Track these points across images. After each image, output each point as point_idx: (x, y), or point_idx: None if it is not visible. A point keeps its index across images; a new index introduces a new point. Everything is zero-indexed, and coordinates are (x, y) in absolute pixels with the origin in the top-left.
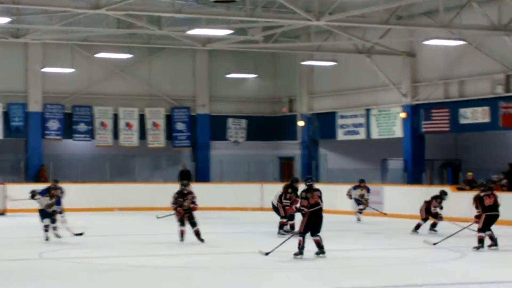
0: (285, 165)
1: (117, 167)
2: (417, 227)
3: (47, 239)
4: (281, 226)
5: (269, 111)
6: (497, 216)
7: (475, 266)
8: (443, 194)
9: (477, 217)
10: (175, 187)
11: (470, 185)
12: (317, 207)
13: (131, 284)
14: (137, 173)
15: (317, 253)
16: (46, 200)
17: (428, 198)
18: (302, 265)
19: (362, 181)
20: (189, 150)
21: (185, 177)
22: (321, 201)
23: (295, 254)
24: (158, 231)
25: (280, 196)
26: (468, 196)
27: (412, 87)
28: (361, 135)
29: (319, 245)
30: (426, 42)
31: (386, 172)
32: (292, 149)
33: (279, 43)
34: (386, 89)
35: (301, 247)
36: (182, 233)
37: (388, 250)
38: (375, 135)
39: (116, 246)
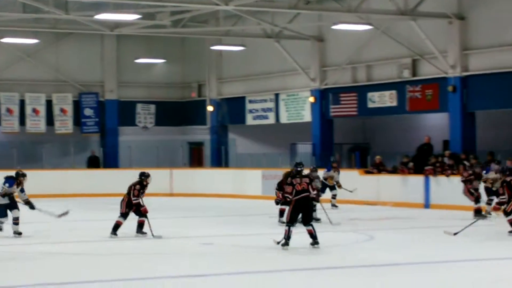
0: (195, 150)
1: (25, 154)
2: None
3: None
4: (281, 213)
5: (178, 96)
6: None
7: (383, 248)
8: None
9: (500, 203)
10: (84, 173)
11: (378, 168)
12: (303, 194)
13: (38, 271)
14: (45, 159)
15: (311, 244)
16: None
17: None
18: (207, 250)
19: (333, 161)
20: (98, 136)
21: (93, 163)
22: (312, 188)
23: (282, 245)
24: (66, 217)
25: (279, 183)
26: (376, 179)
27: (321, 71)
28: (270, 120)
29: (312, 235)
30: (334, 27)
31: (295, 156)
32: (202, 134)
33: (188, 27)
34: (294, 74)
35: (287, 237)
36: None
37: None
38: (284, 119)
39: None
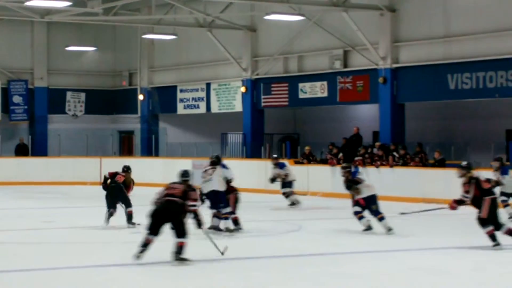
0: (125, 139)
1: None
2: None
3: None
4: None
5: (109, 85)
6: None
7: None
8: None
9: (460, 201)
10: (12, 161)
11: (308, 159)
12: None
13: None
14: None
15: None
16: None
17: None
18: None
19: (275, 158)
20: (26, 123)
21: (22, 151)
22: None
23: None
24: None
25: None
26: (306, 170)
27: (253, 61)
28: (201, 109)
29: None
30: (266, 17)
31: (226, 146)
32: (132, 123)
33: (120, 15)
34: (226, 64)
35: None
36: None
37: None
38: (215, 109)
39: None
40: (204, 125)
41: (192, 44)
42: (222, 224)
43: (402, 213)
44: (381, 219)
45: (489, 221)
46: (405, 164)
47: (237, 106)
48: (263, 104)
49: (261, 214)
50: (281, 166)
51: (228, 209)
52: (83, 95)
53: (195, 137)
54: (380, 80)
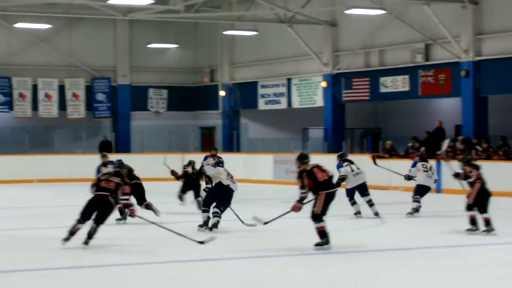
0: (206, 135)
1: (37, 138)
2: None
3: None
4: None
5: (191, 81)
6: None
7: (393, 233)
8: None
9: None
10: (95, 158)
11: (389, 153)
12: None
13: (50, 255)
14: (57, 144)
15: (318, 244)
16: None
17: None
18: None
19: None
20: (110, 120)
21: (105, 148)
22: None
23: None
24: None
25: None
26: (387, 164)
27: (333, 56)
28: (282, 105)
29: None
30: (347, 12)
31: (307, 141)
32: (214, 119)
33: (201, 12)
34: (307, 59)
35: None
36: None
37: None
38: (296, 104)
39: (34, 217)
40: (285, 121)
41: (273, 40)
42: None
43: (266, 223)
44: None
45: (322, 217)
46: (488, 158)
47: (318, 101)
48: (344, 98)
49: (341, 209)
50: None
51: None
52: (165, 92)
53: (276, 133)
54: (463, 73)
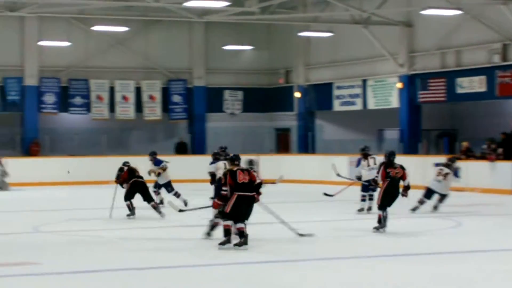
0: (282, 136)
1: (114, 140)
2: None
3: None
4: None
5: (266, 83)
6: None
7: (472, 234)
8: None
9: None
10: (172, 159)
11: (466, 154)
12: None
13: (128, 256)
14: (133, 146)
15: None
16: None
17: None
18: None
19: (152, 153)
20: (186, 122)
21: (181, 149)
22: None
23: (221, 244)
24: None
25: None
26: (464, 166)
27: (409, 57)
28: (358, 106)
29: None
30: (423, 12)
31: (382, 143)
32: (289, 120)
33: (276, 14)
34: (382, 60)
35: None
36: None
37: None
38: (371, 105)
39: (113, 219)
40: (360, 122)
41: (348, 41)
42: None
43: (180, 210)
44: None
45: (231, 217)
46: None
47: (394, 102)
48: (420, 99)
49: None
50: (158, 162)
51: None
52: (240, 94)
53: (351, 134)
54: None
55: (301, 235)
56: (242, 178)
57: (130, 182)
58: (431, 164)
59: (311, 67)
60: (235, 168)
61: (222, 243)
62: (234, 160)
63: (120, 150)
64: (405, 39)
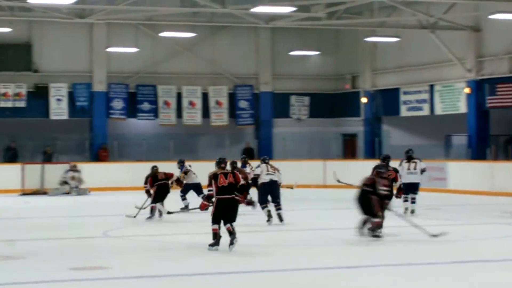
0: (348, 142)
1: (181, 145)
2: None
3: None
4: None
5: (332, 88)
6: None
7: None
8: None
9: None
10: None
11: None
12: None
13: (193, 261)
14: (200, 151)
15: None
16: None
17: None
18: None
19: (180, 161)
20: (252, 128)
21: (248, 155)
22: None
23: (210, 245)
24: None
25: None
26: None
27: (477, 62)
28: (425, 111)
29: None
30: (491, 16)
31: (450, 148)
32: (355, 125)
33: (342, 19)
34: (450, 65)
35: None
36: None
37: (456, 225)
38: (438, 111)
39: (181, 223)
40: (427, 127)
41: (415, 46)
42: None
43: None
44: None
45: (214, 221)
46: None
47: (462, 107)
48: (488, 105)
49: (487, 217)
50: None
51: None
52: (306, 99)
53: (419, 139)
54: None
55: (435, 235)
56: (222, 181)
57: (155, 185)
58: (499, 170)
59: (378, 72)
60: (219, 172)
61: (211, 245)
62: (220, 163)
63: (187, 156)
64: (473, 44)
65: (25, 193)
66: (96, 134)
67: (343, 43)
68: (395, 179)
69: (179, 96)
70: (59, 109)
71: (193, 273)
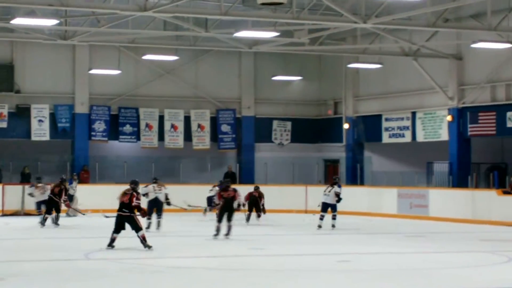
0: (330, 167)
1: (163, 168)
2: None
3: None
4: None
5: (314, 114)
6: None
7: None
8: None
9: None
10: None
11: None
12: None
13: (173, 285)
14: (182, 174)
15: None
16: None
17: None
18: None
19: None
20: (234, 152)
21: (230, 179)
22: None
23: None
24: (204, 231)
25: None
26: None
27: (459, 90)
28: (407, 138)
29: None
30: (473, 45)
31: (432, 175)
32: (337, 151)
33: (325, 45)
34: (432, 92)
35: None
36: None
37: (436, 254)
38: (420, 138)
39: (161, 246)
40: (409, 154)
41: (397, 73)
42: None
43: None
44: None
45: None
46: None
47: (443, 135)
48: (469, 133)
49: (467, 244)
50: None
51: None
52: (289, 124)
53: (400, 166)
54: None
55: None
56: (121, 199)
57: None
58: (481, 198)
59: (360, 98)
60: (125, 191)
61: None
62: (131, 183)
63: (169, 179)
64: (455, 72)
65: (4, 214)
66: (77, 156)
67: (325, 69)
68: (234, 198)
69: (161, 119)
70: (40, 130)
71: None
